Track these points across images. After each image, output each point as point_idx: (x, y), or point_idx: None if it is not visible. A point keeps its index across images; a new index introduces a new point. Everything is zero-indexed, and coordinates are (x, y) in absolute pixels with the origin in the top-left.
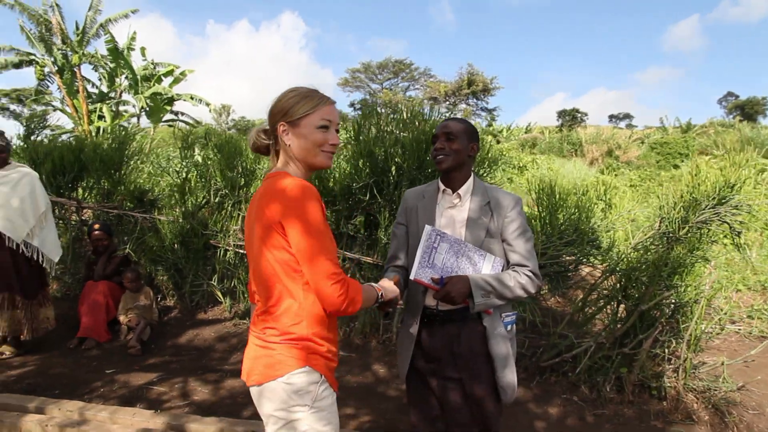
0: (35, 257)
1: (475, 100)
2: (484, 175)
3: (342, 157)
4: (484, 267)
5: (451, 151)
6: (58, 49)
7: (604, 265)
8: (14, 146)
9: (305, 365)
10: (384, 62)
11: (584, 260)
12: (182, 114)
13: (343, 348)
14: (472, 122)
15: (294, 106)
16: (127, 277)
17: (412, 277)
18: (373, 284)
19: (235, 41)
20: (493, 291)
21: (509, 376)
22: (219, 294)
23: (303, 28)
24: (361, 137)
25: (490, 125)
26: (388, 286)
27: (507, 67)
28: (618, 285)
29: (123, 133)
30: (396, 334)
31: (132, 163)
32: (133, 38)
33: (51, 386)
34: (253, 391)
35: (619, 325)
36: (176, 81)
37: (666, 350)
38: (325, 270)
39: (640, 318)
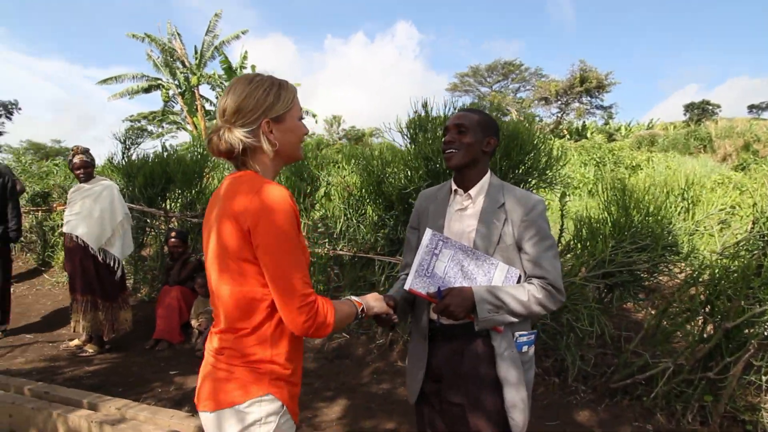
0: (112, 264)
1: (588, 98)
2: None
3: (398, 160)
4: (495, 278)
5: (462, 145)
6: (181, 73)
7: (684, 273)
8: (115, 162)
9: (267, 393)
10: (493, 64)
11: (658, 268)
12: None
13: (403, 359)
14: (593, 119)
15: (276, 101)
16: (198, 282)
17: (406, 287)
18: (353, 298)
19: (352, 54)
20: (503, 306)
21: (519, 405)
22: None
23: (417, 36)
24: (418, 140)
25: (606, 123)
26: (371, 300)
27: (631, 61)
28: (701, 297)
29: (202, 147)
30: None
31: (211, 174)
32: (245, 57)
33: (117, 383)
34: (205, 418)
35: (701, 345)
36: None
37: (763, 378)
38: (292, 292)
39: (725, 337)
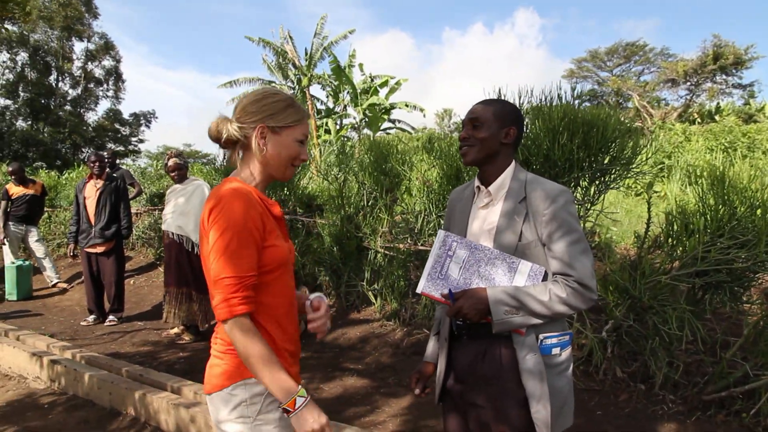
0: None
1: (724, 77)
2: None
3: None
4: (516, 278)
5: (477, 140)
6: (294, 75)
7: None
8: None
9: (250, 376)
10: (613, 47)
11: (763, 267)
12: (399, 122)
13: None
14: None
15: (279, 113)
16: None
17: (418, 290)
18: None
19: (470, 45)
20: (522, 306)
21: (543, 413)
22: (371, 295)
23: (538, 22)
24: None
25: (746, 104)
26: (308, 413)
27: None
28: None
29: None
30: None
31: (299, 172)
32: (353, 56)
33: (203, 369)
34: (207, 400)
35: None
36: (392, 91)
37: None
38: (218, 279)
39: None
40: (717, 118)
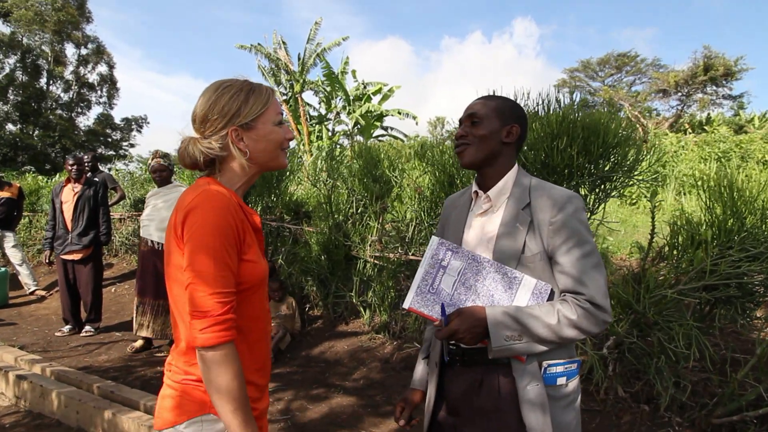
0: None
1: (714, 88)
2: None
3: None
4: (518, 296)
5: (475, 139)
6: (287, 81)
7: None
8: None
9: (208, 412)
10: (605, 57)
11: None
12: (392, 129)
13: None
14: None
15: (243, 106)
16: (271, 287)
17: (405, 305)
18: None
19: (469, 53)
20: (526, 330)
21: None
22: (360, 306)
23: (536, 32)
24: None
25: (736, 114)
26: None
27: None
28: None
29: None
30: None
31: (286, 178)
32: (346, 63)
33: None
34: None
35: None
36: (385, 98)
37: None
38: (197, 302)
39: None
40: (707, 128)
